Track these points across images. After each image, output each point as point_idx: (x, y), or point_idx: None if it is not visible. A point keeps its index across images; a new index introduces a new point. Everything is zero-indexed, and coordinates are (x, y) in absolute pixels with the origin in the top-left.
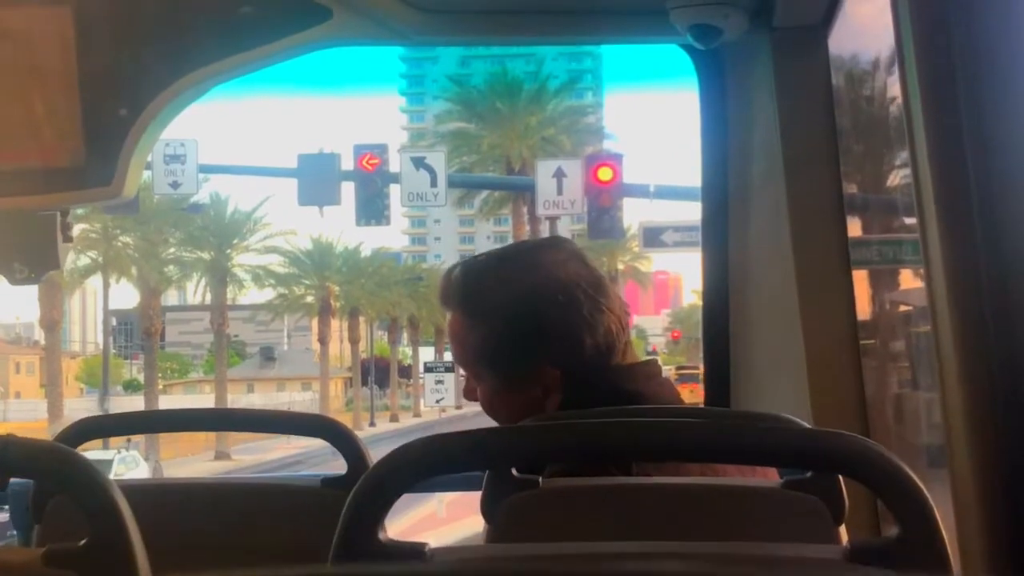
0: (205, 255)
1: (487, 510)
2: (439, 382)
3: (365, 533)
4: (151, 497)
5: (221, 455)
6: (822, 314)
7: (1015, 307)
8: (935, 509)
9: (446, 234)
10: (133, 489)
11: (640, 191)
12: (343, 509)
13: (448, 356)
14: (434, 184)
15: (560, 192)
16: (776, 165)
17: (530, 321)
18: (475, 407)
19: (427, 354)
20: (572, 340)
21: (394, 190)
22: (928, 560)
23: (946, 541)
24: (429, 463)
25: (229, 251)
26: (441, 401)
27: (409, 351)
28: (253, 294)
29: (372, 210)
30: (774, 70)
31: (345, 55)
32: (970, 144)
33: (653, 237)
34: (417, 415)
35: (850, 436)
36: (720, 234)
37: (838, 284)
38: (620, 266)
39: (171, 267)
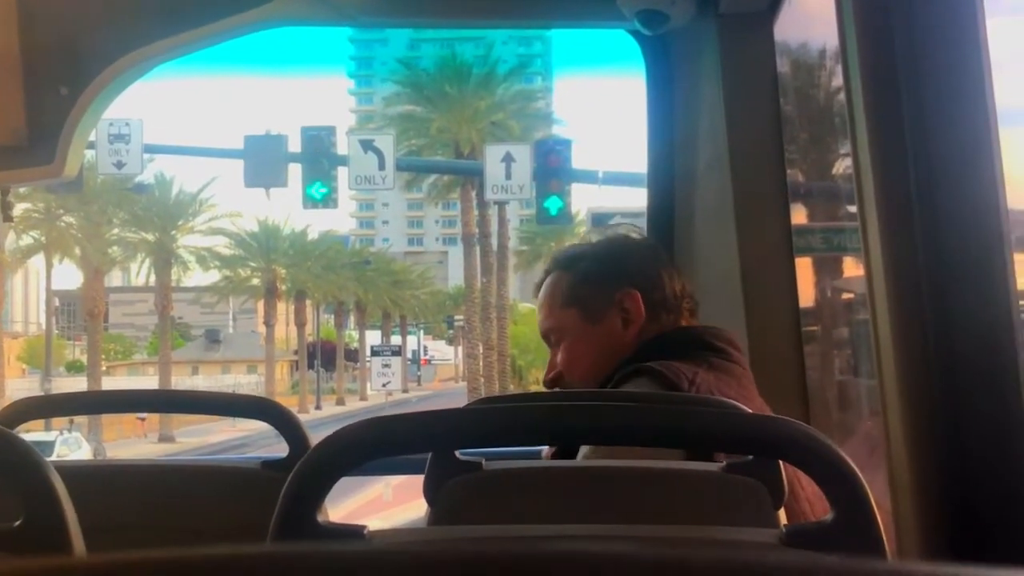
0: (150, 236)
1: (429, 492)
2: (386, 365)
3: (303, 515)
4: (89, 478)
5: (165, 437)
6: (765, 301)
7: (951, 296)
8: (870, 493)
9: (394, 218)
10: (71, 470)
11: (589, 177)
12: (282, 491)
13: (396, 340)
14: (382, 167)
15: (508, 177)
16: (722, 151)
17: (615, 251)
18: (423, 391)
19: (374, 338)
20: (652, 271)
21: (342, 173)
22: (863, 543)
23: (880, 524)
24: (369, 445)
25: (174, 232)
26: (387, 385)
27: (356, 335)
28: (199, 276)
29: (318, 193)
30: (720, 57)
31: (293, 36)
32: (910, 135)
33: (601, 223)
34: (364, 399)
35: (787, 421)
36: (666, 219)
37: (781, 271)
38: None
39: (115, 248)
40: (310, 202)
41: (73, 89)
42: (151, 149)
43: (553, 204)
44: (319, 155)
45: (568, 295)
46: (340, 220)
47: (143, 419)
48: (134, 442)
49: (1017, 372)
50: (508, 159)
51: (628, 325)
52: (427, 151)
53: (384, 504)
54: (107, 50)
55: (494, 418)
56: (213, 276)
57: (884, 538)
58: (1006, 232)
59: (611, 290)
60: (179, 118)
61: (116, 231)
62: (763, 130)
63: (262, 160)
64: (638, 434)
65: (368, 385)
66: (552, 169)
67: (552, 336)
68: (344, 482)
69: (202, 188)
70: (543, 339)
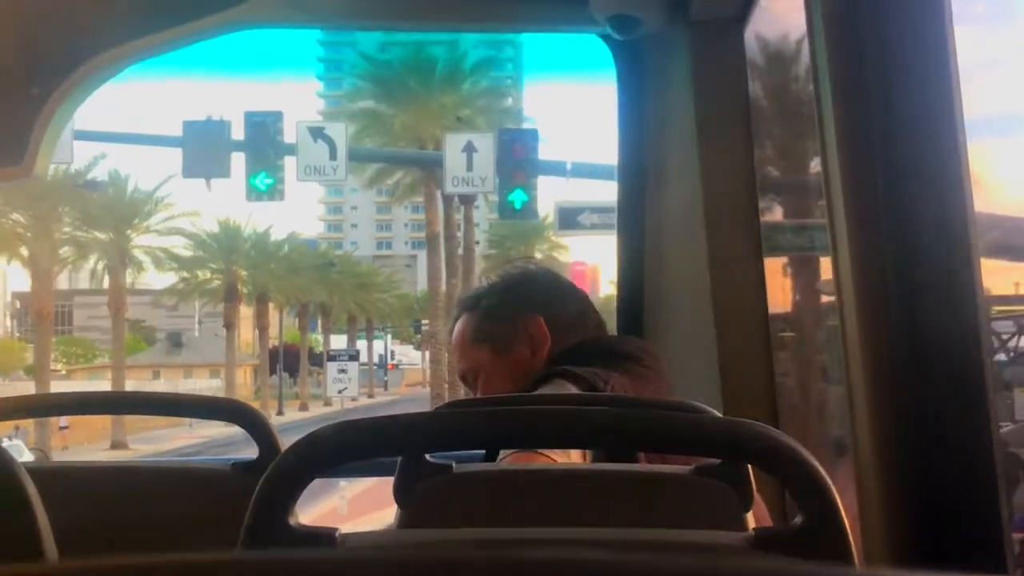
0: (103, 235)
1: (399, 495)
2: (342, 371)
3: (275, 518)
4: (60, 481)
5: (118, 444)
6: (734, 302)
7: (918, 301)
8: (838, 498)
9: (363, 221)
10: (39, 472)
11: (556, 168)
12: (253, 494)
13: (359, 344)
14: (333, 157)
15: (470, 168)
16: (692, 156)
17: (513, 283)
18: (389, 396)
19: (340, 342)
20: (551, 295)
21: (290, 163)
22: (831, 548)
23: (848, 530)
24: (341, 449)
25: (129, 232)
26: (344, 391)
27: (322, 339)
28: (159, 278)
29: (263, 184)
30: (691, 62)
31: (261, 37)
32: (879, 141)
33: (570, 218)
34: (328, 404)
35: (755, 425)
36: (636, 223)
37: (750, 274)
38: (537, 255)
39: (66, 248)
40: (254, 194)
41: (43, 90)
42: (83, 136)
43: (518, 197)
44: (264, 143)
45: (476, 333)
46: (308, 223)
47: (65, 428)
48: (86, 449)
49: (984, 377)
50: (470, 149)
51: (536, 350)
52: (390, 148)
53: (339, 518)
54: (78, 51)
55: (465, 422)
56: (174, 278)
57: (852, 542)
58: (973, 236)
59: (514, 320)
60: (116, 104)
61: (67, 230)
62: (733, 135)
63: (203, 148)
64: (611, 438)
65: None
66: (517, 160)
67: (469, 376)
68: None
69: (159, 186)
70: (462, 381)
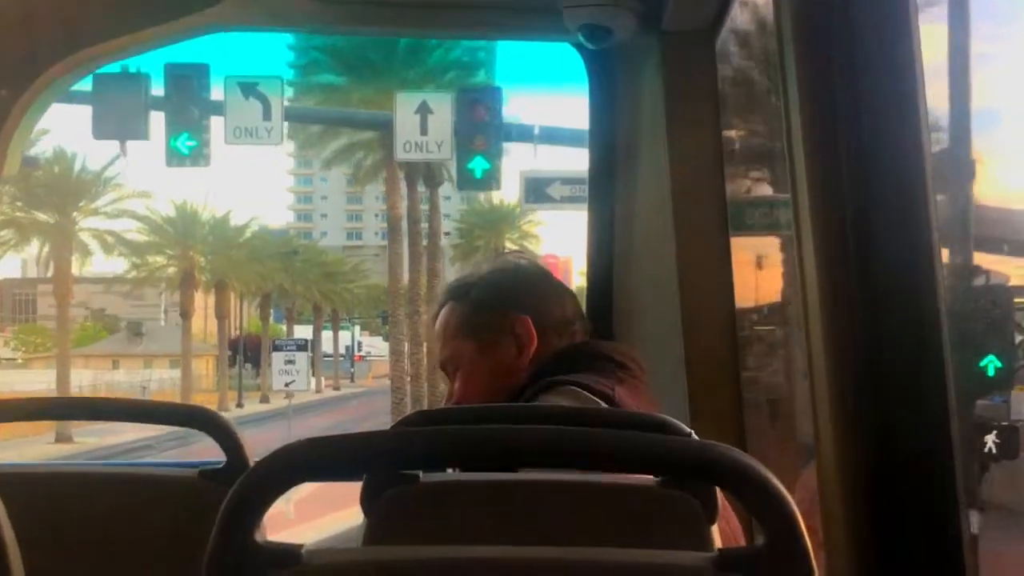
0: (46, 217)
1: (366, 504)
2: (289, 362)
3: (241, 534)
4: (23, 486)
5: (62, 437)
6: (702, 306)
7: (881, 306)
8: (800, 519)
9: (333, 211)
10: (3, 477)
11: (522, 133)
12: (221, 508)
13: (307, 334)
14: (267, 117)
15: (424, 132)
16: (662, 164)
17: (505, 278)
18: (356, 388)
19: (305, 333)
20: (542, 296)
21: (217, 124)
22: (793, 569)
23: (810, 549)
24: (309, 466)
25: (75, 214)
26: (291, 384)
27: (285, 328)
28: (114, 265)
29: (185, 147)
30: (663, 72)
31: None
32: (844, 146)
33: (538, 191)
34: (289, 397)
35: (718, 446)
36: (606, 229)
37: (718, 279)
38: (508, 245)
39: (5, 231)
40: (176, 158)
41: (12, 91)
42: None
43: (478, 165)
44: (188, 101)
45: (462, 325)
46: (278, 213)
47: None
48: (29, 441)
49: (945, 383)
50: (424, 110)
51: (521, 351)
52: (348, 124)
53: (287, 522)
54: (49, 53)
55: (435, 440)
56: (128, 265)
57: (814, 565)
58: (935, 241)
59: (503, 317)
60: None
61: (6, 210)
62: (703, 143)
63: (116, 106)
64: (573, 457)
65: (303, 381)
66: (478, 124)
67: (448, 366)
68: None
69: (107, 165)
70: (441, 369)
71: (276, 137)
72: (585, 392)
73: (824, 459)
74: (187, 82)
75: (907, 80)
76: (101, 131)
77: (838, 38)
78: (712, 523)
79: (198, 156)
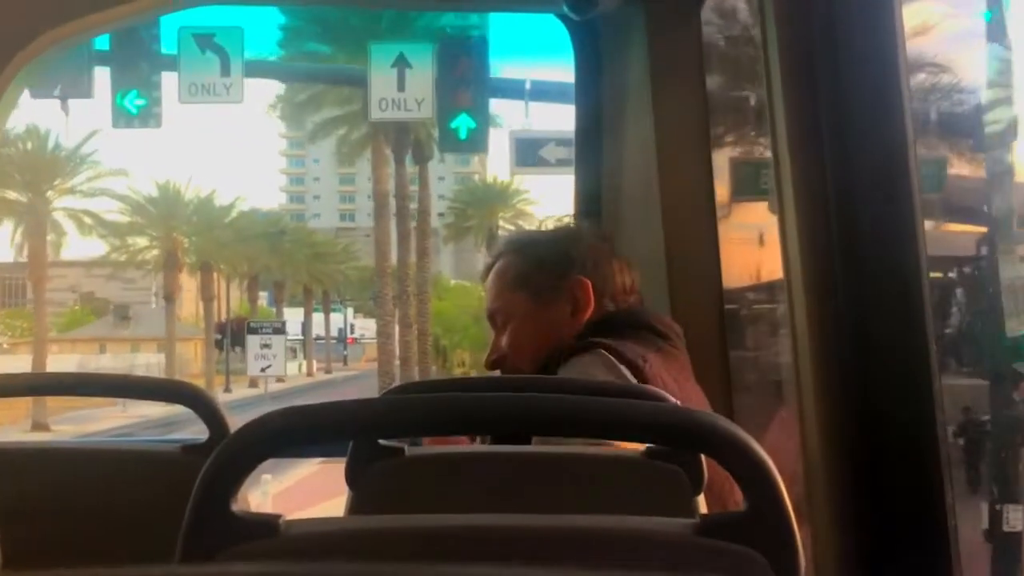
0: (18, 195)
1: (351, 477)
2: (265, 346)
3: (218, 504)
4: (2, 462)
5: (39, 425)
6: (690, 284)
7: (865, 294)
8: (782, 484)
9: (326, 193)
10: None
11: (512, 89)
12: (198, 478)
13: (285, 315)
14: (226, 73)
15: (402, 88)
16: (648, 136)
17: (568, 239)
18: (349, 371)
19: (296, 315)
20: (604, 263)
21: (169, 81)
22: (775, 534)
23: (792, 516)
24: (286, 434)
25: (50, 193)
26: (268, 369)
27: (274, 311)
28: (96, 246)
29: (133, 106)
30: (648, 43)
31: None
32: (827, 129)
33: (529, 153)
34: (280, 380)
35: (701, 413)
36: (593, 202)
37: (706, 256)
38: (501, 224)
39: None
40: (123, 118)
41: None
42: None
43: (463, 124)
44: (136, 55)
45: (519, 279)
46: (270, 194)
47: None
48: (4, 431)
49: (930, 368)
50: (402, 63)
51: (576, 313)
52: (329, 95)
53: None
54: (24, 30)
55: (416, 407)
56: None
57: (795, 530)
58: (920, 232)
59: (562, 277)
60: None
61: None
62: (689, 116)
63: (55, 62)
64: (558, 424)
65: (290, 365)
66: (461, 78)
67: (498, 318)
68: None
69: (82, 142)
70: (488, 320)
71: (236, 95)
72: (612, 357)
73: (808, 438)
74: (135, 34)
75: (889, 60)
76: (40, 90)
77: (821, 18)
78: (698, 493)
79: (147, 116)
